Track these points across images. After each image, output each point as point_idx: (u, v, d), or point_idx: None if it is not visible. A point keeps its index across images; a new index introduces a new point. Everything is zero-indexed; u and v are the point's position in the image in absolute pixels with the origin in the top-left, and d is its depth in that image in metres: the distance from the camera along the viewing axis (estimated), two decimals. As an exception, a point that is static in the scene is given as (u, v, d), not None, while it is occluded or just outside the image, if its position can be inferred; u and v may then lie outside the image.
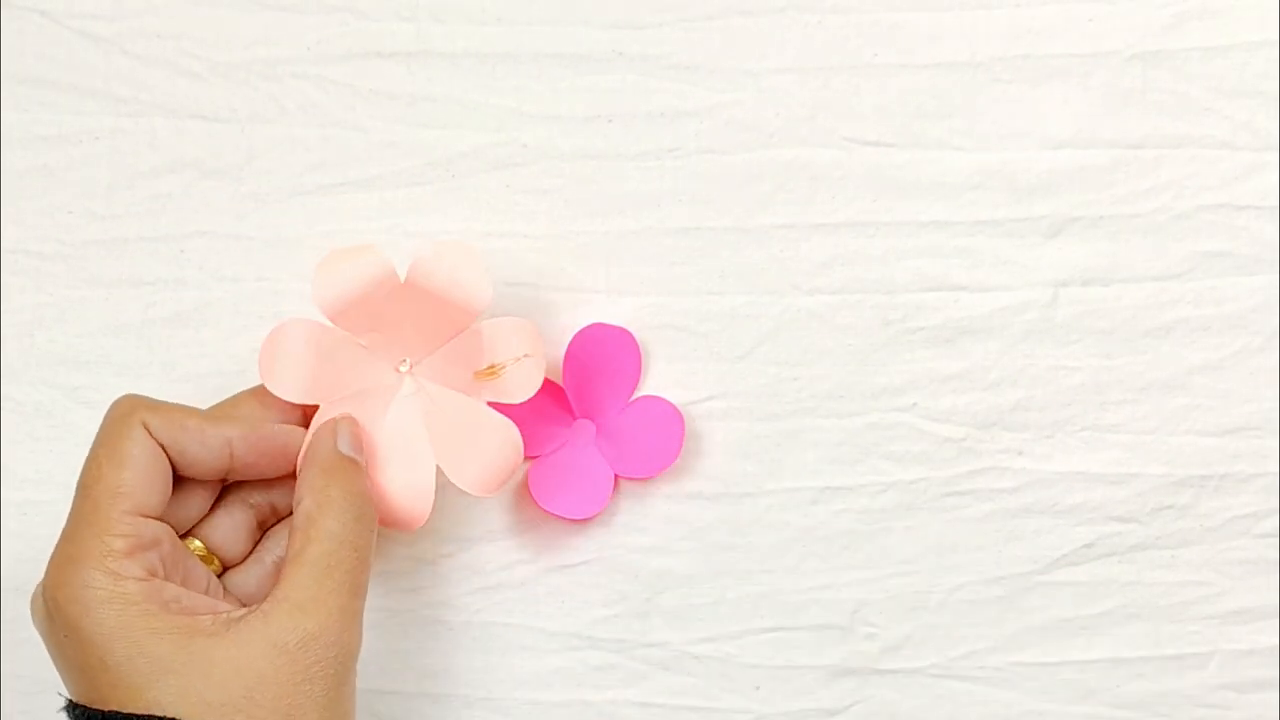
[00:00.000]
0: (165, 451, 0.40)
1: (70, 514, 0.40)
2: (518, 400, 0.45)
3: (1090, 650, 0.48)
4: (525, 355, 0.44)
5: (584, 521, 0.48)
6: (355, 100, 0.49)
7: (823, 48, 0.48)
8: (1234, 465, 0.48)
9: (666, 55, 0.48)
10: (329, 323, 0.43)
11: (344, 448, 0.42)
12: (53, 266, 0.49)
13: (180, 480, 0.42)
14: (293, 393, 0.43)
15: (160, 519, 0.40)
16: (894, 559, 0.48)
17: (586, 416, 0.48)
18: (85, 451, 0.48)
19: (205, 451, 0.41)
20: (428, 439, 0.44)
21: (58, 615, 0.38)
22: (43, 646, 0.48)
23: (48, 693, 0.48)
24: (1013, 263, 0.48)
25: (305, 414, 0.44)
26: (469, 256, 0.44)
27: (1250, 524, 0.48)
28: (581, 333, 0.47)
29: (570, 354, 0.47)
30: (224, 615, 0.38)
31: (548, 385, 0.47)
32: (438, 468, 0.44)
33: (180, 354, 0.49)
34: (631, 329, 0.48)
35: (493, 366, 0.44)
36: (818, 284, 0.48)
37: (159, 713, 0.36)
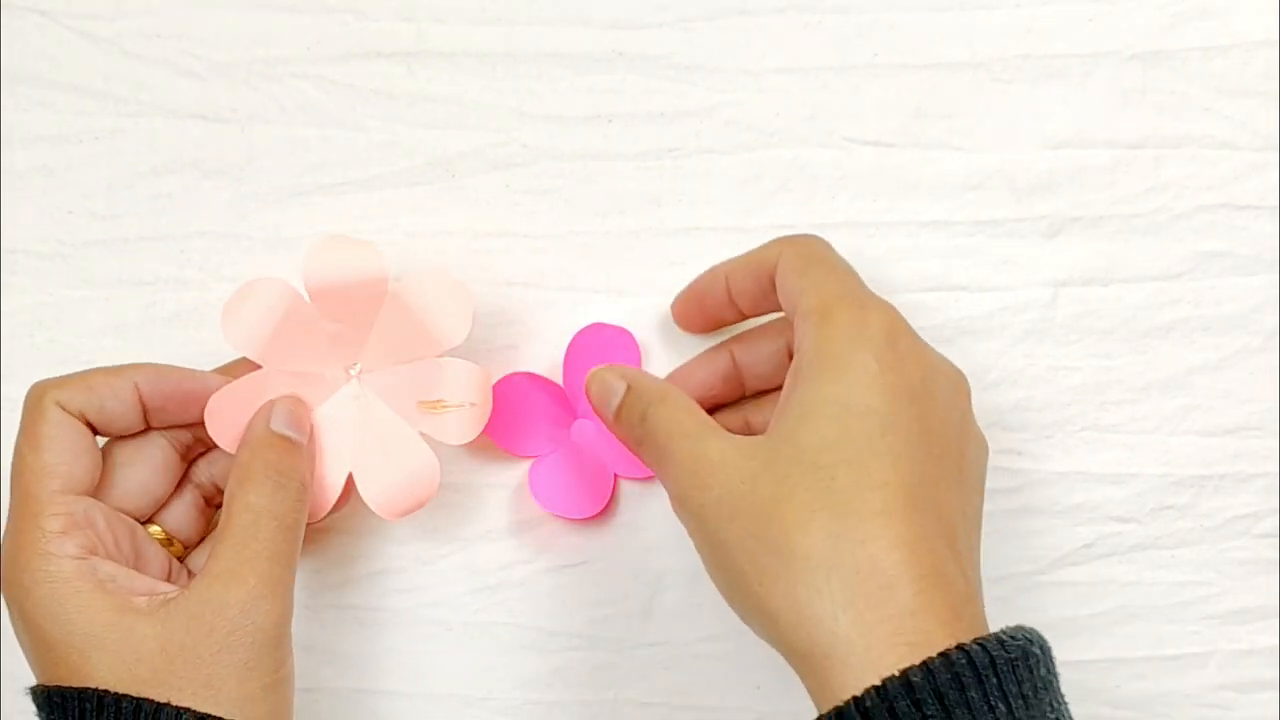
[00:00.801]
0: (86, 420, 0.41)
1: (9, 507, 0.41)
2: (451, 443, 0.45)
3: (1090, 650, 0.48)
4: (471, 404, 0.45)
5: (584, 521, 0.48)
6: (355, 100, 0.49)
7: (823, 48, 0.48)
8: (1234, 465, 0.48)
9: (666, 55, 0.48)
10: (305, 295, 0.44)
11: (277, 425, 0.42)
12: (53, 266, 0.49)
13: (137, 467, 0.43)
14: (246, 346, 0.44)
15: (92, 495, 0.41)
16: (894, 559, 0.48)
17: (586, 416, 0.48)
18: (85, 451, 0.48)
19: (120, 403, 0.42)
20: (349, 443, 0.44)
21: (10, 602, 0.39)
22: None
23: (48, 693, 0.48)
24: (1013, 263, 0.48)
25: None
26: (458, 293, 0.44)
27: (1250, 524, 0.48)
28: (582, 333, 0.47)
29: (570, 354, 0.47)
30: (160, 596, 0.39)
31: (548, 385, 0.47)
32: (350, 475, 0.44)
33: (180, 354, 0.48)
34: (631, 329, 0.48)
35: (438, 402, 0.45)
36: (818, 284, 0.48)
37: (92, 685, 0.38)
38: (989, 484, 0.48)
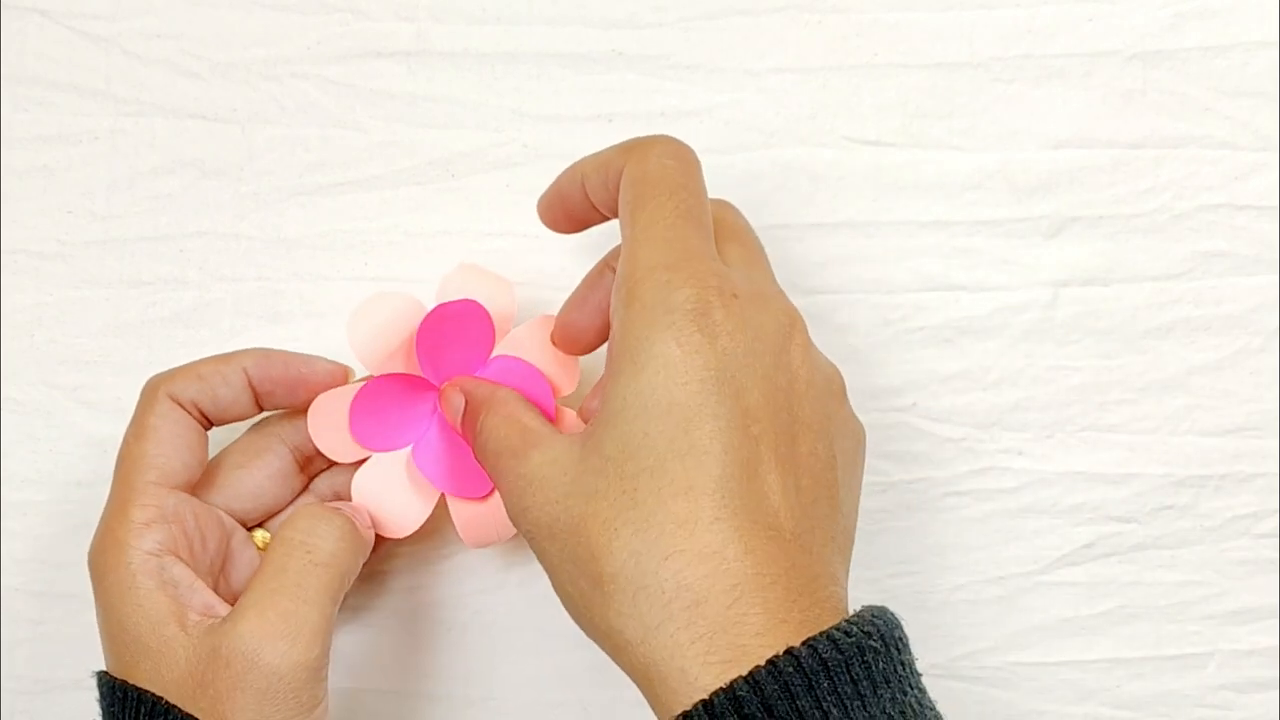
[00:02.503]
0: (200, 409, 0.42)
1: (110, 492, 0.41)
2: None
3: (1090, 650, 0.48)
4: None
5: (487, 498, 0.45)
6: (355, 100, 0.49)
7: (823, 48, 0.48)
8: (1234, 465, 0.48)
9: (666, 55, 0.48)
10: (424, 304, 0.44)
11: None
12: (53, 266, 0.49)
13: (252, 471, 0.43)
14: (367, 357, 0.43)
15: (191, 491, 0.42)
16: (894, 559, 0.48)
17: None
18: (85, 451, 0.49)
19: (230, 389, 0.42)
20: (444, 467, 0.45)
21: (92, 585, 0.40)
22: (42, 646, 0.49)
23: (48, 692, 0.48)
24: (1013, 263, 0.48)
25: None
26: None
27: (1250, 524, 0.48)
28: (429, 316, 0.44)
29: (421, 337, 0.44)
30: (207, 621, 0.39)
31: (406, 378, 0.45)
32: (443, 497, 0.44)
33: (180, 354, 0.48)
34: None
35: None
36: (817, 284, 0.48)
37: (137, 682, 0.38)
38: (990, 484, 0.48)
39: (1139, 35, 0.48)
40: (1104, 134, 0.48)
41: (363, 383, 0.44)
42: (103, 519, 0.41)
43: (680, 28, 0.48)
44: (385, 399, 0.44)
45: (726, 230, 0.40)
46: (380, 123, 0.49)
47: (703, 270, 0.36)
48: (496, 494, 0.44)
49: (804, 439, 0.36)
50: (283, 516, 0.45)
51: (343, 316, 0.48)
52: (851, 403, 0.48)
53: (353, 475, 0.44)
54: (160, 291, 0.49)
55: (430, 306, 0.44)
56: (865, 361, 0.48)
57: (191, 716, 0.37)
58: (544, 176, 0.48)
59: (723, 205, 0.41)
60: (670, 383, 0.34)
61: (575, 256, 0.48)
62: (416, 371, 0.44)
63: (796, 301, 0.48)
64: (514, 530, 0.44)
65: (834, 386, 0.38)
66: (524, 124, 0.49)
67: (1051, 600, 0.48)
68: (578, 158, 0.48)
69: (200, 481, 0.43)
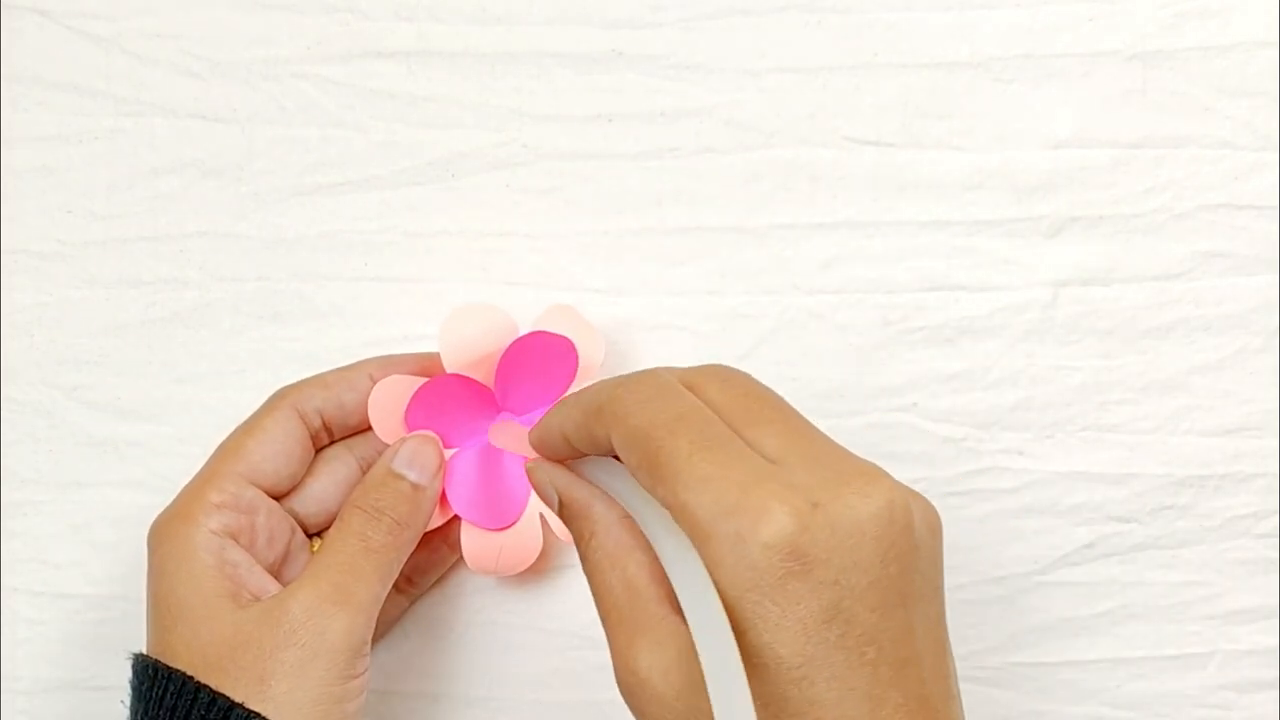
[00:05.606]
0: (325, 418, 0.43)
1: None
2: (558, 536, 0.45)
3: (1090, 650, 0.48)
4: None
5: (504, 530, 0.45)
6: (355, 100, 0.49)
7: (823, 48, 0.48)
8: (1234, 465, 0.48)
9: (666, 55, 0.48)
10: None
11: (394, 464, 0.43)
12: (53, 266, 0.49)
13: (319, 477, 0.44)
14: (454, 364, 0.44)
15: (277, 498, 0.43)
16: (894, 559, 0.48)
17: (509, 410, 0.46)
18: (84, 451, 0.49)
19: (356, 394, 0.44)
20: (470, 484, 0.45)
21: (148, 548, 0.41)
22: (42, 646, 0.49)
23: (48, 692, 0.48)
24: (1013, 263, 0.48)
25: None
26: (587, 328, 0.46)
27: (1250, 524, 0.48)
28: (520, 340, 0.45)
29: (505, 359, 0.45)
30: (264, 599, 0.40)
31: (475, 385, 0.45)
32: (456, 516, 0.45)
33: (180, 354, 0.49)
34: (631, 329, 0.48)
35: None
36: (818, 284, 0.48)
37: (166, 659, 0.39)
38: (990, 484, 0.48)
39: (1139, 35, 0.48)
40: (1104, 134, 0.48)
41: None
42: (178, 495, 0.42)
43: (680, 28, 0.48)
44: (448, 399, 0.45)
45: (750, 412, 0.36)
46: (380, 123, 0.49)
47: (763, 498, 0.32)
48: (512, 530, 0.45)
49: (919, 622, 0.34)
50: None
51: (343, 316, 0.48)
52: (852, 403, 0.48)
53: None
54: (160, 291, 0.49)
55: (518, 326, 0.45)
56: (865, 361, 0.48)
57: (221, 695, 0.38)
58: (544, 176, 0.48)
59: (723, 379, 0.37)
60: (776, 643, 0.32)
61: (575, 257, 0.49)
62: (490, 384, 0.45)
63: (797, 301, 0.48)
64: (520, 569, 0.45)
65: (934, 528, 0.35)
66: (524, 124, 0.49)
67: (1051, 600, 0.48)
68: (577, 158, 0.48)
69: None
